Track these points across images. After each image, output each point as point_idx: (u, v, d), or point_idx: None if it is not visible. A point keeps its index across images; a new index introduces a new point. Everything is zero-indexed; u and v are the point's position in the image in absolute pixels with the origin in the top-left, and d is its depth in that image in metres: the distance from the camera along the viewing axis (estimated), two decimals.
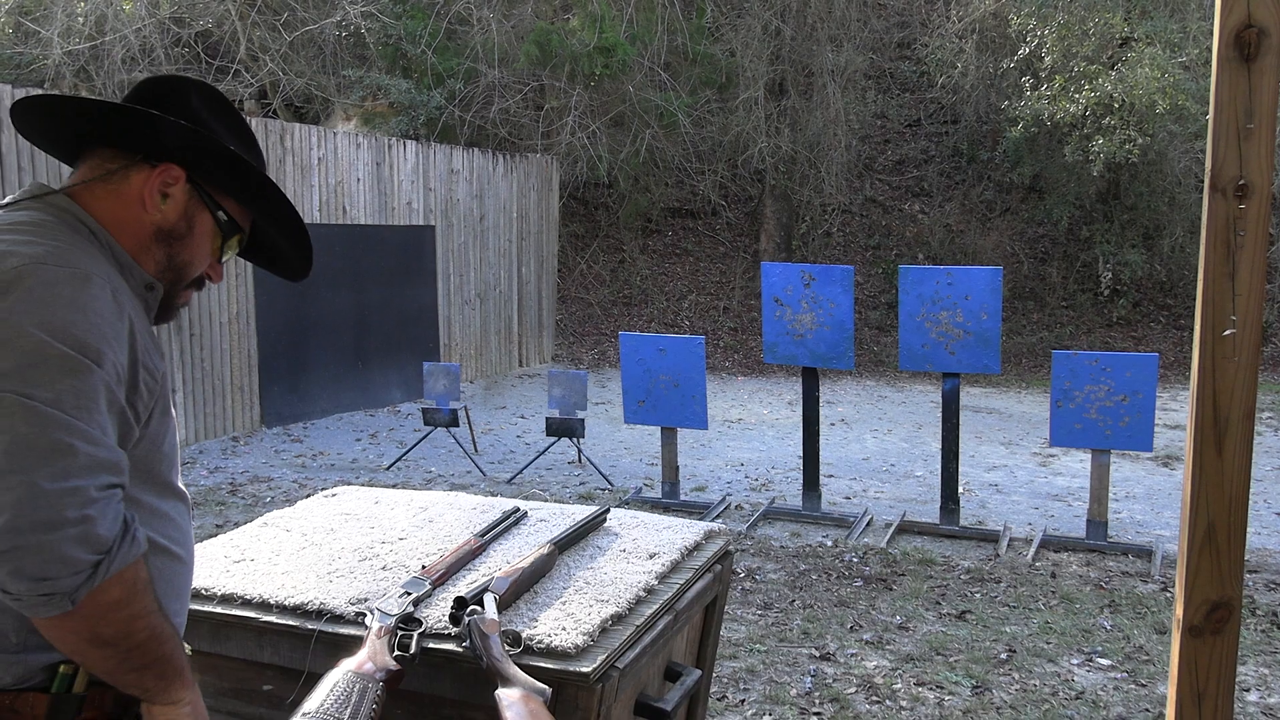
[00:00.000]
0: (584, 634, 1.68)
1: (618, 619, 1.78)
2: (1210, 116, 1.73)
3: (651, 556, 2.06)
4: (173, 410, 1.50)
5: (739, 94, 15.05)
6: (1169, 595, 5.26)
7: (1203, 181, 1.79)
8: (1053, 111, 13.10)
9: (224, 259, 1.59)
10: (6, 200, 1.43)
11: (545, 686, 1.55)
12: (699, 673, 2.07)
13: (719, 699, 4.02)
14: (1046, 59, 13.23)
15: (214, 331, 8.78)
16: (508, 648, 1.62)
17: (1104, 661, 4.45)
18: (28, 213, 1.38)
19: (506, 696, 1.52)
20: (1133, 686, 4.20)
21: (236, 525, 2.31)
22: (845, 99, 15.37)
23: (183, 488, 1.53)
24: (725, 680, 4.19)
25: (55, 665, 1.33)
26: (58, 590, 1.20)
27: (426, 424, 8.23)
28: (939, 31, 15.27)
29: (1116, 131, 12.81)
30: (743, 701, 4.02)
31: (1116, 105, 12.75)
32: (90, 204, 1.43)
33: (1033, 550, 5.98)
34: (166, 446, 1.47)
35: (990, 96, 15.29)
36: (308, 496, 2.26)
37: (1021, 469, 8.33)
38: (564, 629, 1.70)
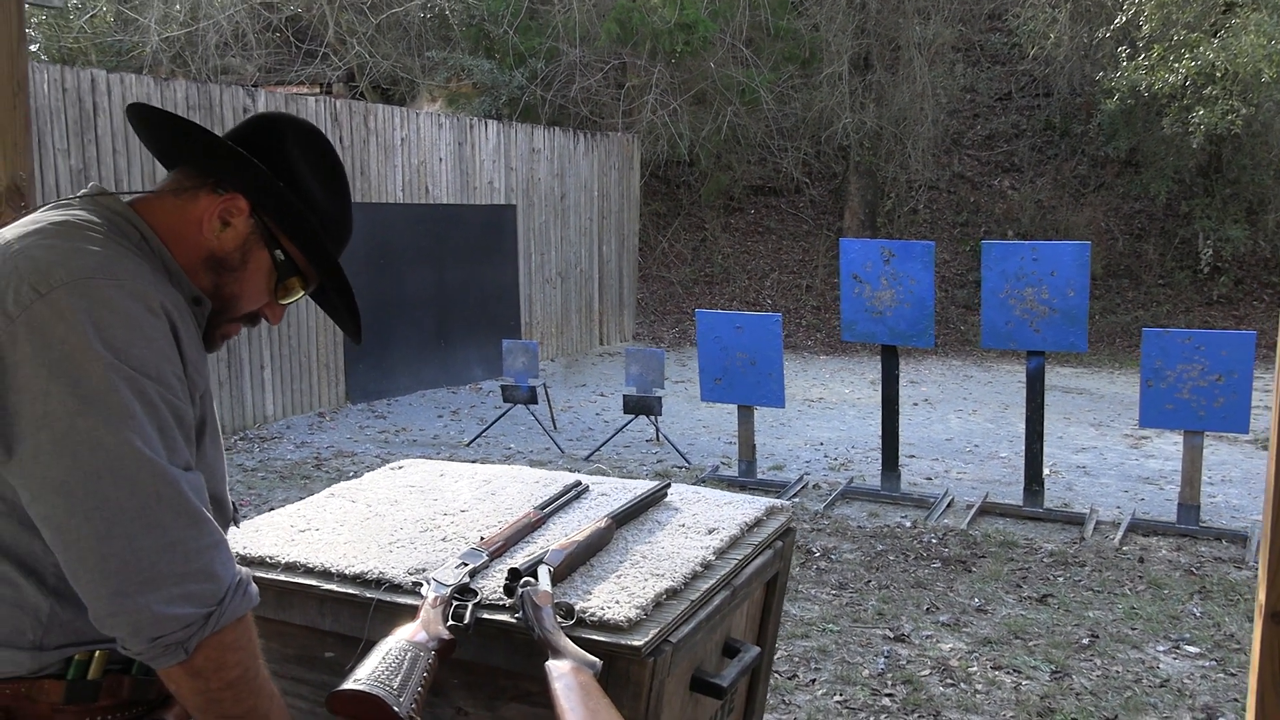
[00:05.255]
0: (637, 607, 1.67)
1: (672, 593, 1.76)
2: None
3: (710, 532, 2.04)
4: (221, 435, 1.49)
5: (823, 69, 14.83)
6: None
7: None
8: (1150, 82, 12.64)
9: (285, 300, 1.55)
10: (63, 201, 1.42)
11: (596, 659, 1.55)
12: (758, 650, 2.05)
13: (789, 678, 4.00)
14: (1144, 27, 12.76)
15: (301, 309, 8.98)
16: (560, 620, 1.62)
17: (1192, 649, 4.31)
18: (76, 214, 1.37)
19: (557, 668, 1.52)
20: (1221, 675, 4.06)
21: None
22: (932, 73, 15.05)
23: (233, 528, 1.52)
24: (797, 659, 4.16)
25: (71, 655, 1.34)
26: (172, 642, 1.22)
27: (506, 401, 8.31)
28: (1031, 2, 14.83)
29: (1219, 102, 12.32)
30: (814, 681, 3.99)
31: (1219, 74, 12.25)
32: (153, 213, 1.42)
33: (1120, 534, 5.82)
34: (218, 475, 1.46)
35: (1084, 68, 14.82)
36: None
37: (1111, 451, 8.10)
38: (617, 602, 1.69)
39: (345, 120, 9.35)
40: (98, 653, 1.35)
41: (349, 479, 2.36)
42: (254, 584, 1.34)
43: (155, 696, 1.41)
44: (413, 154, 10.12)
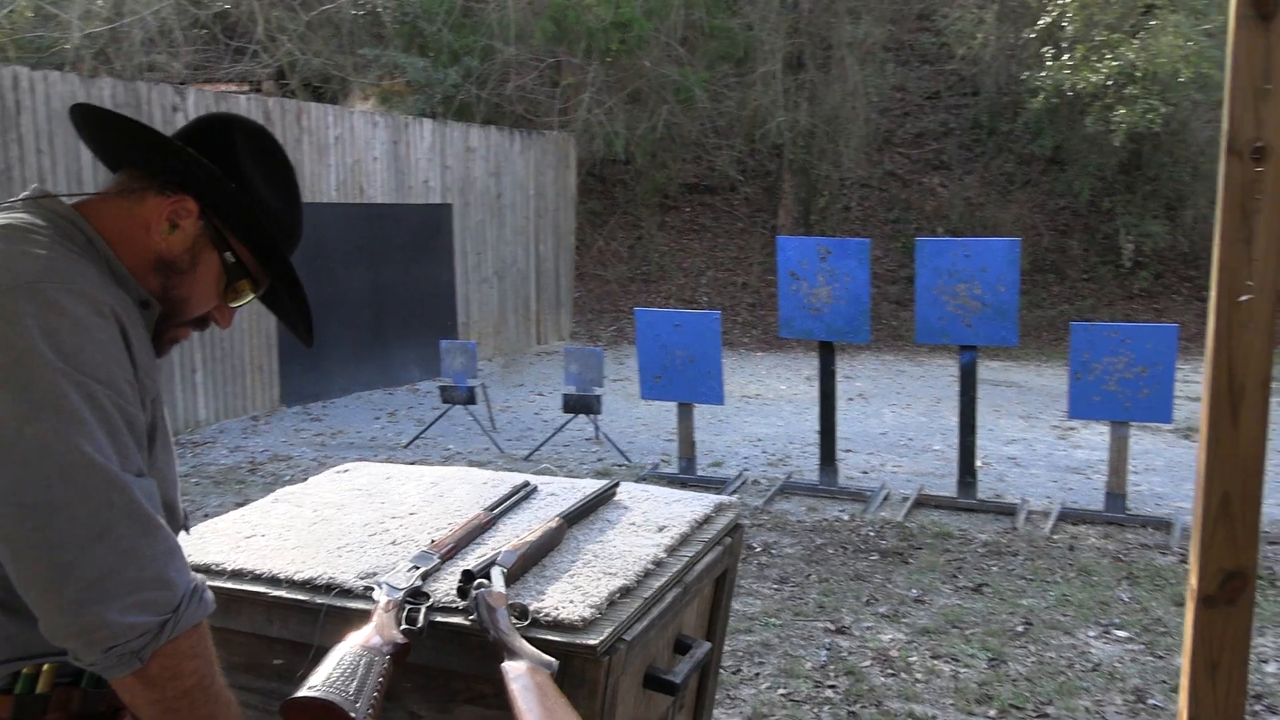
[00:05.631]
0: (591, 606, 1.68)
1: (626, 591, 1.77)
2: (1227, 77, 1.69)
3: (661, 529, 2.05)
4: (172, 440, 1.47)
5: (757, 68, 14.95)
6: (1188, 567, 5.22)
7: None
8: (1074, 81, 12.95)
9: (235, 303, 1.53)
10: (4, 204, 1.38)
11: (552, 659, 1.55)
12: (709, 645, 2.07)
13: (734, 672, 4.03)
14: (1068, 28, 13.06)
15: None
16: (515, 621, 1.62)
17: (1121, 634, 4.43)
18: (19, 217, 1.33)
19: (513, 669, 1.52)
20: (1150, 658, 4.18)
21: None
22: (864, 72, 15.25)
23: (183, 535, 1.49)
24: (740, 654, 4.20)
25: (18, 670, 1.32)
26: (127, 651, 1.20)
27: (444, 402, 8.25)
28: (959, 2, 15.09)
29: (1139, 101, 12.65)
30: (758, 675, 4.03)
31: (1139, 74, 12.58)
32: (99, 216, 1.39)
33: (1051, 523, 5.96)
34: (169, 481, 1.43)
35: (1010, 67, 15.14)
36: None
37: (1040, 442, 8.28)
38: (571, 602, 1.70)
39: (277, 119, 9.21)
40: (46, 666, 1.32)
41: (286, 483, 2.34)
42: (209, 591, 1.32)
43: (106, 709, 1.38)
44: (347, 153, 10.00)
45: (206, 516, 3.84)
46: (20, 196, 1.40)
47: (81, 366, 1.20)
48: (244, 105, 9.05)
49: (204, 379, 8.60)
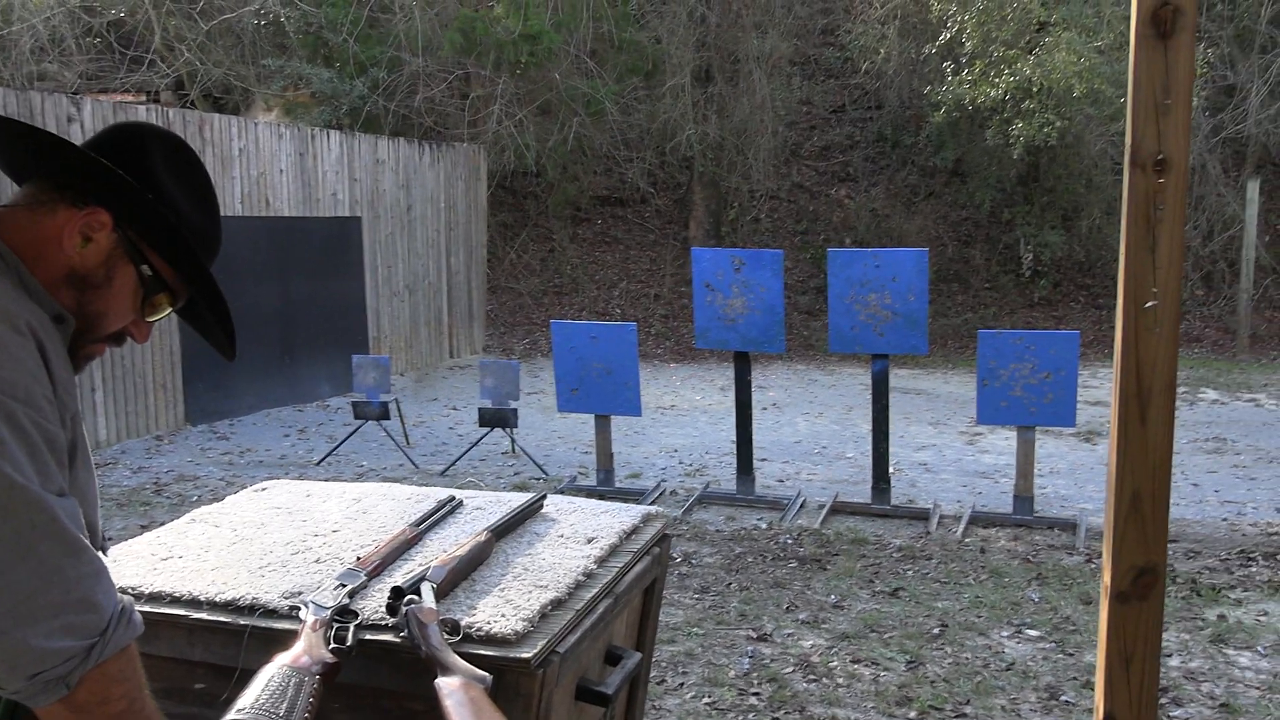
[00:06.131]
0: (524, 620, 1.67)
1: (557, 604, 1.76)
2: (1129, 93, 1.76)
3: (589, 541, 2.05)
4: (92, 459, 1.42)
5: (666, 81, 15.06)
6: (1093, 567, 5.40)
7: (1118, 163, 1.82)
8: (974, 96, 13.31)
9: (152, 318, 1.49)
10: None
11: (485, 674, 1.54)
12: (639, 655, 2.07)
13: (658, 683, 4.04)
14: (967, 44, 13.43)
15: None
16: (446, 636, 1.60)
17: (1033, 633, 4.55)
18: None
19: (446, 685, 1.50)
20: (1061, 656, 4.30)
21: (163, 525, 2.26)
22: (771, 85, 15.46)
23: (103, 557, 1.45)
24: (664, 664, 4.21)
25: None
26: (53, 678, 1.16)
27: (357, 418, 8.12)
28: (862, 18, 15.42)
29: (1035, 115, 13.06)
30: (682, 684, 4.04)
31: (1035, 89, 12.99)
32: (7, 229, 1.34)
33: (962, 527, 6.10)
34: (90, 500, 1.38)
35: (913, 82, 15.49)
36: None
37: (950, 448, 8.48)
38: (503, 615, 1.68)
39: (179, 130, 8.97)
40: None
41: (193, 504, 2.27)
42: (137, 613, 1.28)
43: None
44: (251, 165, 9.79)
45: (110, 540, 3.72)
46: None
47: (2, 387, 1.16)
48: (144, 116, 8.80)
49: (104, 398, 8.32)
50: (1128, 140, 1.77)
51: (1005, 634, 4.55)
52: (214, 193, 1.54)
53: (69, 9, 13.64)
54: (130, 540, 2.10)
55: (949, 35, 13.65)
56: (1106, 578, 1.90)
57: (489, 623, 1.66)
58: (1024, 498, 6.20)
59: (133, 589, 1.81)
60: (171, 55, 14.14)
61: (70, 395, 1.29)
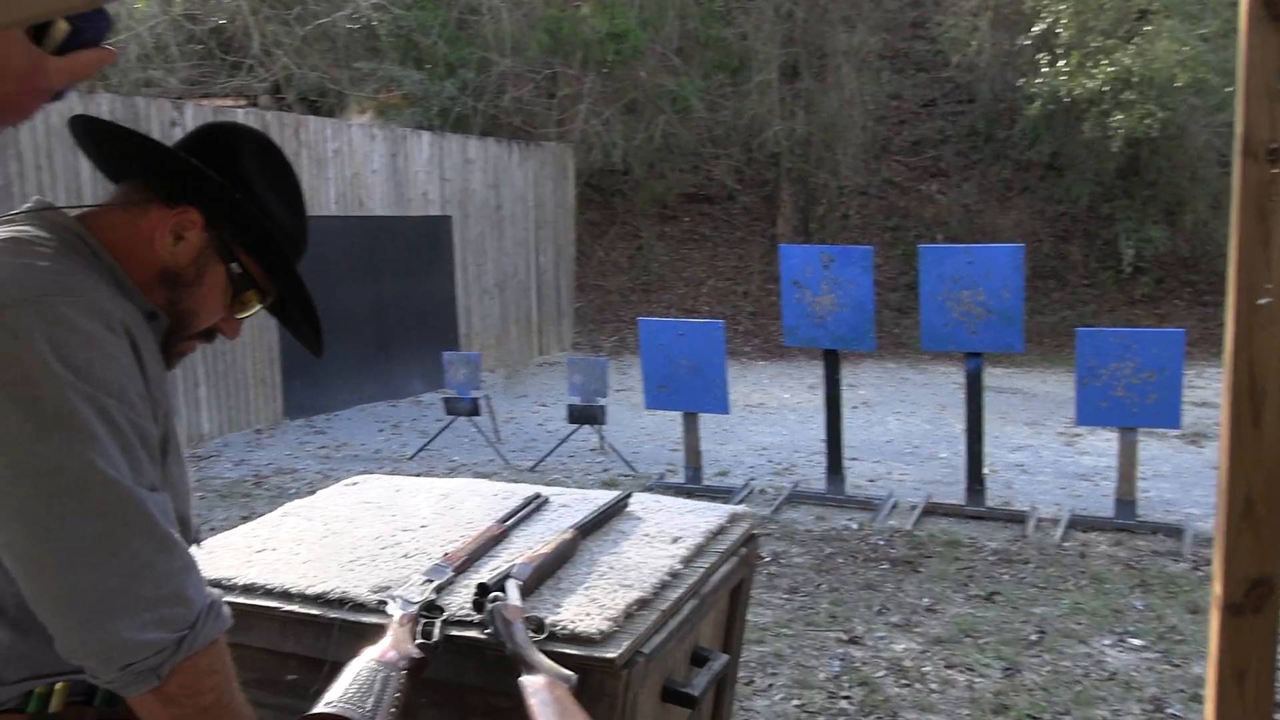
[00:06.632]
0: (609, 619, 1.65)
1: (643, 604, 1.74)
2: (1240, 78, 1.67)
3: (675, 540, 2.03)
4: (184, 453, 1.44)
5: (752, 77, 14.96)
6: (1201, 574, 5.19)
7: (1224, 155, 1.73)
8: (1070, 87, 12.95)
9: (241, 315, 1.51)
10: (5, 216, 1.35)
11: (570, 673, 1.52)
12: (726, 657, 2.04)
13: (746, 683, 4.00)
14: (1063, 34, 13.07)
15: None
16: (531, 634, 1.59)
17: (1136, 642, 4.40)
18: (22, 229, 1.31)
19: (531, 683, 1.49)
20: (1166, 667, 4.14)
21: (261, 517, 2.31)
22: (860, 80, 15.26)
23: (195, 549, 1.45)
24: (753, 665, 4.17)
25: (30, 689, 1.29)
26: (144, 669, 1.18)
27: (448, 413, 8.23)
28: (953, 10, 15.12)
29: (1136, 106, 12.65)
30: (770, 685, 4.00)
31: (1135, 79, 12.59)
32: (101, 228, 1.37)
33: (1060, 530, 5.92)
34: (182, 494, 1.40)
35: (1006, 74, 15.14)
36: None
37: (1047, 449, 8.26)
38: (588, 614, 1.67)
39: (276, 132, 9.20)
40: (59, 685, 1.29)
41: (291, 496, 2.31)
42: (226, 606, 1.30)
43: None
44: (345, 166, 9.99)
45: (213, 530, 3.83)
46: (21, 209, 1.37)
47: (92, 380, 1.17)
48: (242, 119, 9.04)
49: (207, 392, 8.57)
50: (1238, 129, 1.68)
51: (1107, 642, 4.40)
52: (301, 192, 1.55)
53: (172, 17, 14.08)
54: (226, 532, 2.14)
55: (1044, 25, 13.30)
56: (1217, 588, 1.81)
57: (574, 621, 1.64)
58: (1126, 501, 6.00)
59: (227, 580, 1.84)
60: (269, 60, 14.50)
61: (162, 392, 1.31)
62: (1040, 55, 13.61)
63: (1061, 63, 13.18)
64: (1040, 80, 13.34)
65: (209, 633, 1.23)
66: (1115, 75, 12.58)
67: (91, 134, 1.44)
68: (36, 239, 1.29)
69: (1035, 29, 13.44)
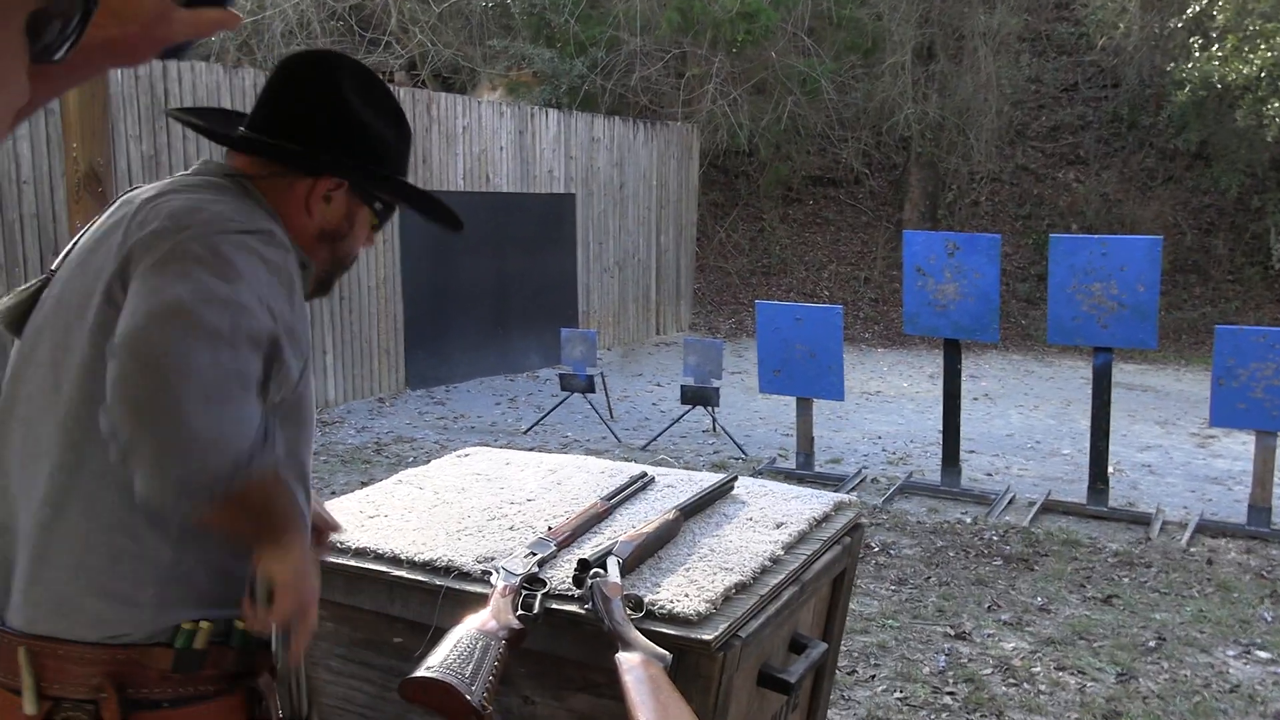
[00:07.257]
0: (707, 601, 1.66)
1: (742, 588, 1.75)
2: None
3: (778, 526, 2.02)
4: (314, 409, 1.56)
5: (885, 59, 14.65)
6: None
7: None
8: (1224, 73, 12.31)
9: (377, 231, 1.69)
10: (188, 171, 1.52)
11: (666, 652, 1.54)
12: (825, 646, 2.03)
13: (849, 673, 3.96)
14: (1218, 17, 12.42)
15: (362, 296, 9.08)
16: (630, 612, 1.62)
17: (1263, 654, 4.20)
18: (207, 178, 1.48)
19: (627, 660, 1.51)
20: None
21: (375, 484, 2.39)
22: (997, 63, 14.79)
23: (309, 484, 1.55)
24: (856, 655, 4.13)
25: (178, 624, 1.38)
26: (199, 497, 1.23)
27: (564, 389, 8.34)
28: None
29: None
30: (873, 677, 3.96)
31: None
32: (264, 190, 1.51)
33: (1187, 535, 5.69)
34: (305, 421, 1.51)
35: (1155, 58, 14.48)
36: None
37: (1178, 450, 7.93)
38: (687, 595, 1.68)
39: (408, 108, 9.42)
40: (204, 623, 1.39)
41: (409, 464, 2.38)
42: (279, 435, 1.36)
43: (254, 669, 1.45)
44: (474, 142, 10.17)
45: (333, 494, 3.97)
46: (201, 165, 1.53)
47: (263, 297, 1.32)
48: None
49: (333, 360, 8.87)
50: None
51: (1231, 653, 4.22)
52: (400, 108, 1.66)
53: None
54: (343, 496, 2.22)
55: (1198, 8, 12.67)
56: None
57: (672, 601, 1.66)
58: (1260, 508, 5.72)
59: (340, 543, 1.92)
60: (405, 37, 14.83)
61: (307, 335, 1.46)
62: (1193, 39, 12.97)
63: (1215, 47, 12.54)
64: (1191, 65, 12.72)
65: (261, 463, 1.28)
66: (1274, 61, 11.90)
67: (219, 122, 1.58)
68: (225, 188, 1.47)
69: (1189, 11, 12.81)
